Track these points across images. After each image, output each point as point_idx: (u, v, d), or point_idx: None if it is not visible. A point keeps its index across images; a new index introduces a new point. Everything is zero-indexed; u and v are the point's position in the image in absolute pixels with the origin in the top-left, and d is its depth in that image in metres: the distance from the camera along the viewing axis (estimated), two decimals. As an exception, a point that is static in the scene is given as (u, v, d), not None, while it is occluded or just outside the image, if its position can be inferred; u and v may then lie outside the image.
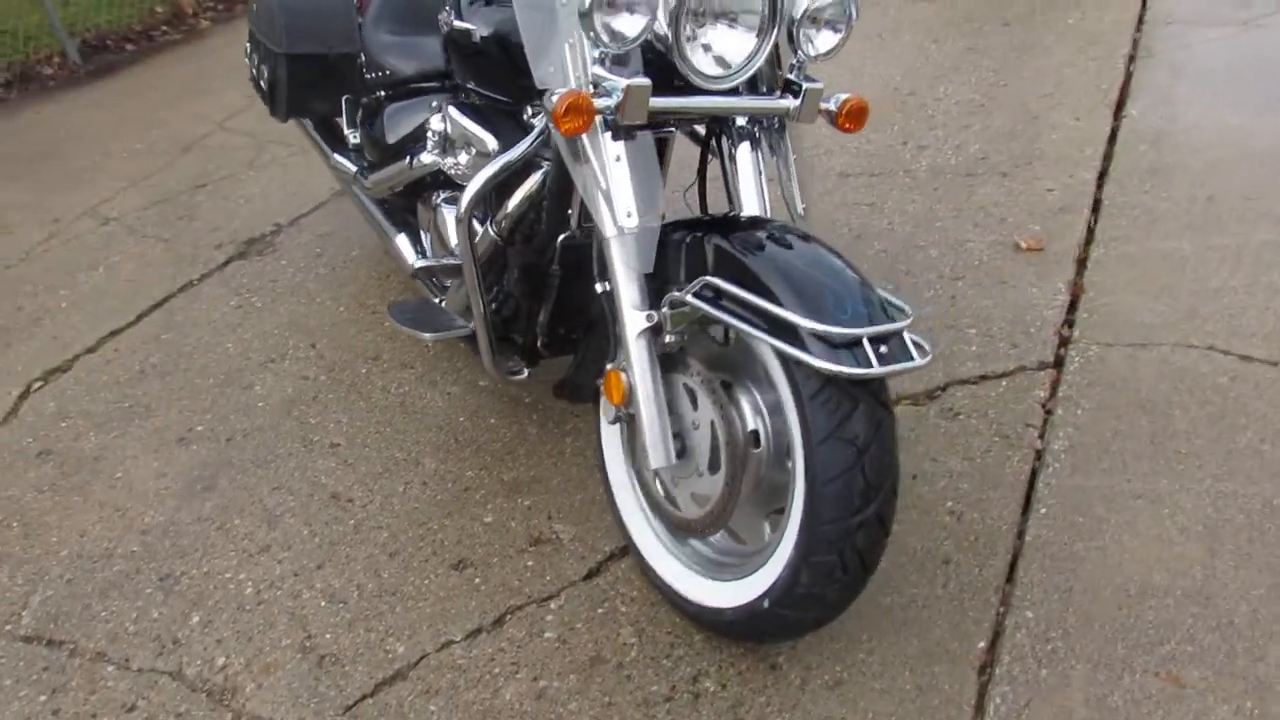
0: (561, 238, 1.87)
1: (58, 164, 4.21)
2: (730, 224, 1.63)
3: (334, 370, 2.66)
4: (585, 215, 1.79)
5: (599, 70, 1.54)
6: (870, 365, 1.36)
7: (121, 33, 5.73)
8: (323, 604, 1.94)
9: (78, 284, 3.24)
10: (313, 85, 2.56)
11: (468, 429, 2.37)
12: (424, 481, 2.22)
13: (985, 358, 2.39)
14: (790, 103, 1.68)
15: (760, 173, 1.71)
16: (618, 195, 1.57)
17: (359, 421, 2.44)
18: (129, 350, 2.86)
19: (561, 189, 1.82)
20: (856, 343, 1.38)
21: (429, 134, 2.15)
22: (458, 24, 2.04)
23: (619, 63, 1.55)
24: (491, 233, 1.95)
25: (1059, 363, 2.35)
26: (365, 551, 2.05)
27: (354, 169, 2.63)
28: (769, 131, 1.72)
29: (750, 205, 1.68)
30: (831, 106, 1.69)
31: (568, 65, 1.56)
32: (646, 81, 1.52)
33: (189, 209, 3.67)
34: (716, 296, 1.50)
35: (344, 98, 2.57)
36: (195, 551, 2.11)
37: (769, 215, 1.68)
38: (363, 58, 2.48)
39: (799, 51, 1.63)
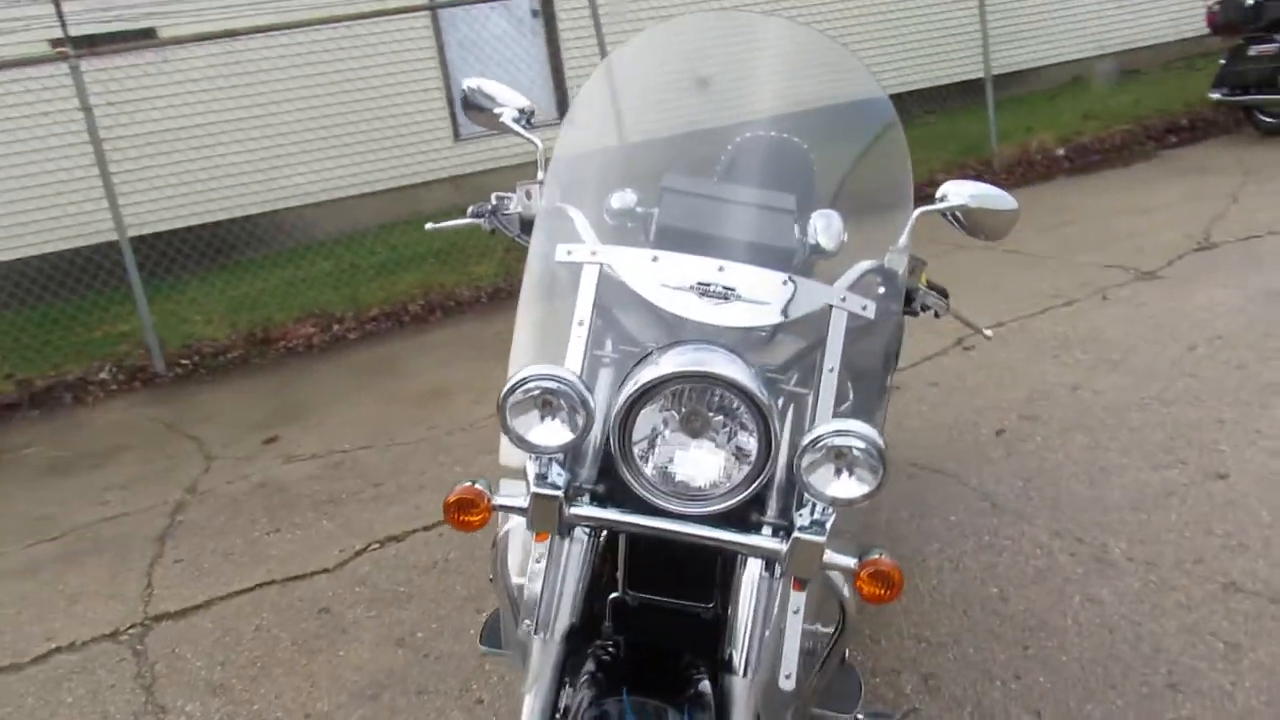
0: (611, 597, 1.66)
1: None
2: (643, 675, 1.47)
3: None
4: (633, 576, 1.62)
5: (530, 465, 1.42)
6: None
7: (211, 346, 5.96)
8: None
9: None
10: None
11: None
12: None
13: None
14: (777, 545, 1.40)
15: (750, 616, 1.47)
16: (525, 598, 1.47)
17: None
18: (434, 541, 3.37)
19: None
20: None
21: None
22: None
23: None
24: None
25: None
26: None
27: None
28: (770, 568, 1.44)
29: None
30: (846, 563, 1.38)
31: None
32: (555, 493, 1.40)
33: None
34: None
35: None
36: None
37: (744, 666, 1.45)
38: None
39: (806, 492, 1.37)
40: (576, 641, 1.60)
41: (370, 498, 3.80)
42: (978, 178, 7.65)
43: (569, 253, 1.60)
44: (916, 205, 1.95)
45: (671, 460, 1.46)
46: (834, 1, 8.94)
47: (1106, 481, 3.20)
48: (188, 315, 6.25)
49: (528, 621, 1.51)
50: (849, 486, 1.40)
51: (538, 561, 1.50)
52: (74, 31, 5.56)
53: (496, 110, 2.00)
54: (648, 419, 1.45)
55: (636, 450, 1.43)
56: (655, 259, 1.57)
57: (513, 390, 1.43)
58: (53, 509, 4.09)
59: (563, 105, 8.46)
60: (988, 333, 2.12)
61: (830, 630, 1.81)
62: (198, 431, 4.77)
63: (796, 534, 1.40)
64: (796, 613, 1.51)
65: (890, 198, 1.80)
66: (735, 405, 1.43)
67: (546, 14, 8.53)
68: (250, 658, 2.88)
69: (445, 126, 7.91)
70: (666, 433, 1.45)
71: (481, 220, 1.96)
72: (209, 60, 6.34)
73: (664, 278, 1.55)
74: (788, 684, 1.49)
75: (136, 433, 4.89)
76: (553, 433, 1.44)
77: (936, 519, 3.12)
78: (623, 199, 1.70)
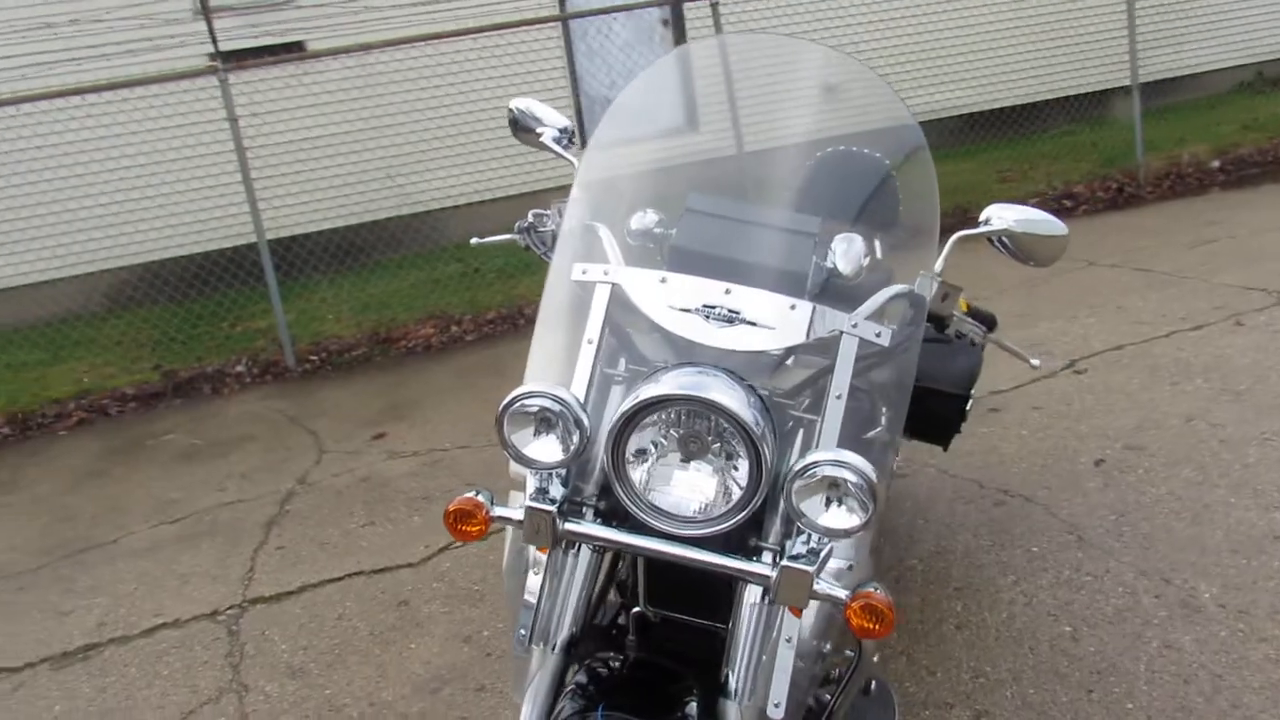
0: (634, 611, 1.67)
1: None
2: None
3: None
4: (653, 591, 1.65)
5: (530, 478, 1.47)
6: None
7: (338, 344, 6.17)
8: None
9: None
10: None
11: None
12: None
13: None
14: (766, 572, 1.40)
15: (747, 640, 1.49)
16: (522, 608, 1.53)
17: None
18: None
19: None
20: None
21: None
22: None
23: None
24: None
25: None
26: None
27: None
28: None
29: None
30: (838, 594, 1.38)
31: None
32: (549, 508, 1.44)
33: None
34: None
35: None
36: None
37: (738, 690, 1.47)
38: None
39: (795, 520, 1.38)
40: (578, 653, 1.63)
41: (461, 497, 3.92)
42: (1119, 190, 7.33)
43: (584, 272, 1.63)
44: (958, 229, 1.90)
45: (667, 481, 1.47)
46: (967, 6, 8.66)
47: (1208, 521, 3.00)
48: (319, 314, 6.60)
49: (522, 630, 1.55)
50: (839, 517, 1.39)
51: (536, 573, 1.54)
52: (225, 46, 5.96)
53: (539, 130, 2.05)
54: (644, 438, 1.47)
55: (631, 469, 1.45)
56: (664, 280, 1.58)
57: (510, 405, 1.48)
58: (179, 493, 4.39)
59: (690, 116, 8.49)
60: (1035, 362, 2.04)
61: (851, 656, 1.78)
62: (315, 425, 5.03)
63: (785, 562, 1.40)
64: (789, 641, 1.50)
65: (917, 223, 1.75)
66: (727, 430, 1.43)
67: (676, 25, 8.59)
68: (330, 644, 3.03)
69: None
70: (662, 454, 1.47)
71: (519, 236, 2.01)
72: (344, 72, 6.68)
73: (671, 299, 1.56)
74: (776, 713, 1.48)
75: (262, 424, 5.20)
76: (549, 449, 1.48)
77: (1018, 549, 3.00)
78: (642, 220, 1.72)
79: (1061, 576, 2.83)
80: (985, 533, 3.10)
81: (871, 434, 1.64)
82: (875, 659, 2.04)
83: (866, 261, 1.64)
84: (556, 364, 1.64)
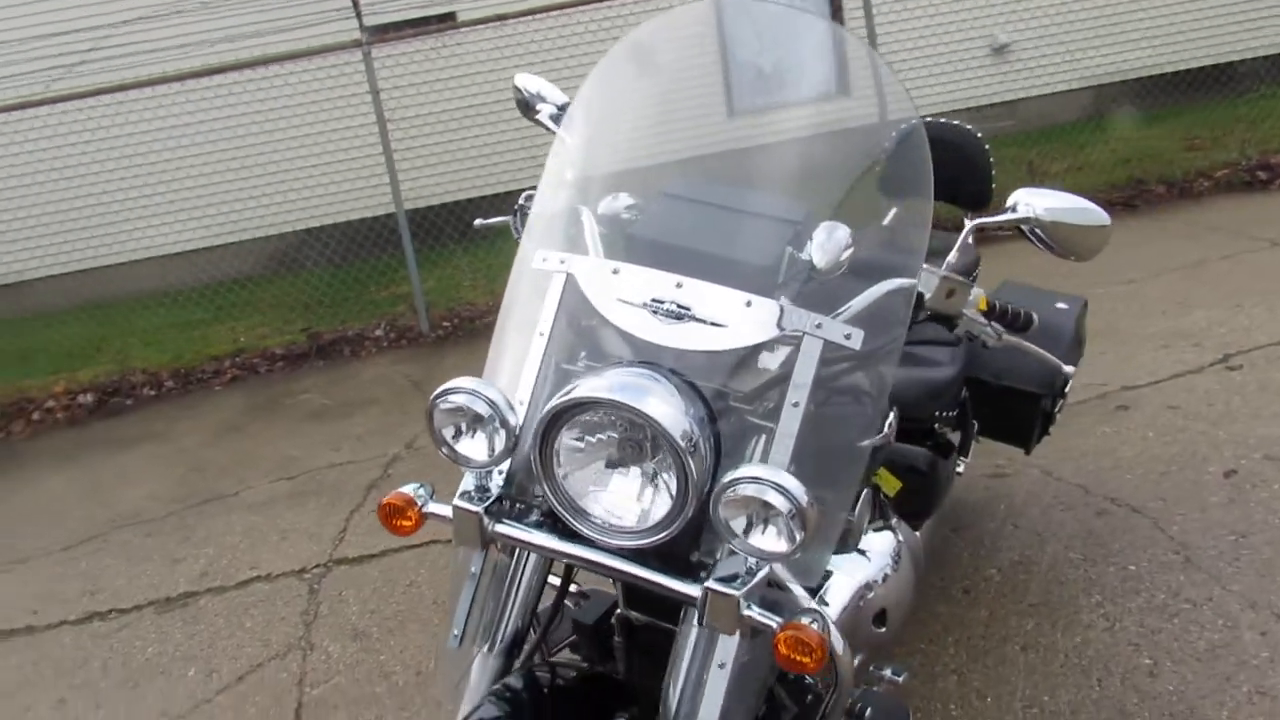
0: (617, 613, 1.65)
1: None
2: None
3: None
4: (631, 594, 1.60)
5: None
6: None
7: (469, 311, 6.30)
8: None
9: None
10: None
11: None
12: None
13: None
14: (691, 591, 1.31)
15: (687, 658, 1.40)
16: (458, 607, 1.49)
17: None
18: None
19: None
20: None
21: None
22: None
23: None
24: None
25: None
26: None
27: None
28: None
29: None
30: (767, 622, 1.28)
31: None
32: (474, 508, 1.40)
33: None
34: None
35: None
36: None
37: (674, 710, 1.38)
38: None
39: (727, 539, 1.29)
40: (525, 656, 1.57)
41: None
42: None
43: (544, 260, 1.55)
44: (977, 216, 1.70)
45: (605, 486, 1.38)
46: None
47: (1346, 551, 2.62)
48: (456, 281, 6.77)
49: (455, 632, 1.51)
50: (768, 539, 1.27)
51: (473, 573, 1.49)
52: (371, 20, 6.16)
53: (539, 107, 1.97)
54: (576, 440, 1.39)
55: (559, 470, 1.38)
56: (616, 271, 1.48)
57: (436, 401, 1.43)
58: (300, 451, 4.62)
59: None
60: (1069, 369, 1.80)
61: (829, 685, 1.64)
62: (434, 391, 5.16)
63: (710, 583, 1.29)
64: (722, 666, 1.39)
65: (908, 212, 1.57)
66: (658, 439, 1.33)
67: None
68: (395, 610, 3.11)
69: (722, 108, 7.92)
70: (594, 457, 1.38)
71: (511, 219, 1.95)
72: (483, 44, 6.78)
73: (621, 292, 1.46)
74: None
75: (388, 387, 5.40)
76: (479, 447, 1.42)
77: (1111, 566, 2.71)
78: (612, 204, 1.62)
79: (1155, 601, 2.54)
80: (1079, 545, 2.82)
81: (845, 444, 1.49)
82: (890, 677, 1.89)
83: (847, 255, 1.47)
84: (510, 355, 1.57)
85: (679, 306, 1.42)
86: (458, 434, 1.47)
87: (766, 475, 1.25)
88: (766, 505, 1.26)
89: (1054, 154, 7.14)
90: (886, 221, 1.59)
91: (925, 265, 1.56)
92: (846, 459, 1.47)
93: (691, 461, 1.29)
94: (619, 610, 1.65)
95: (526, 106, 2.01)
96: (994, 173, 2.76)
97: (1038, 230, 1.63)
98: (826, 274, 1.47)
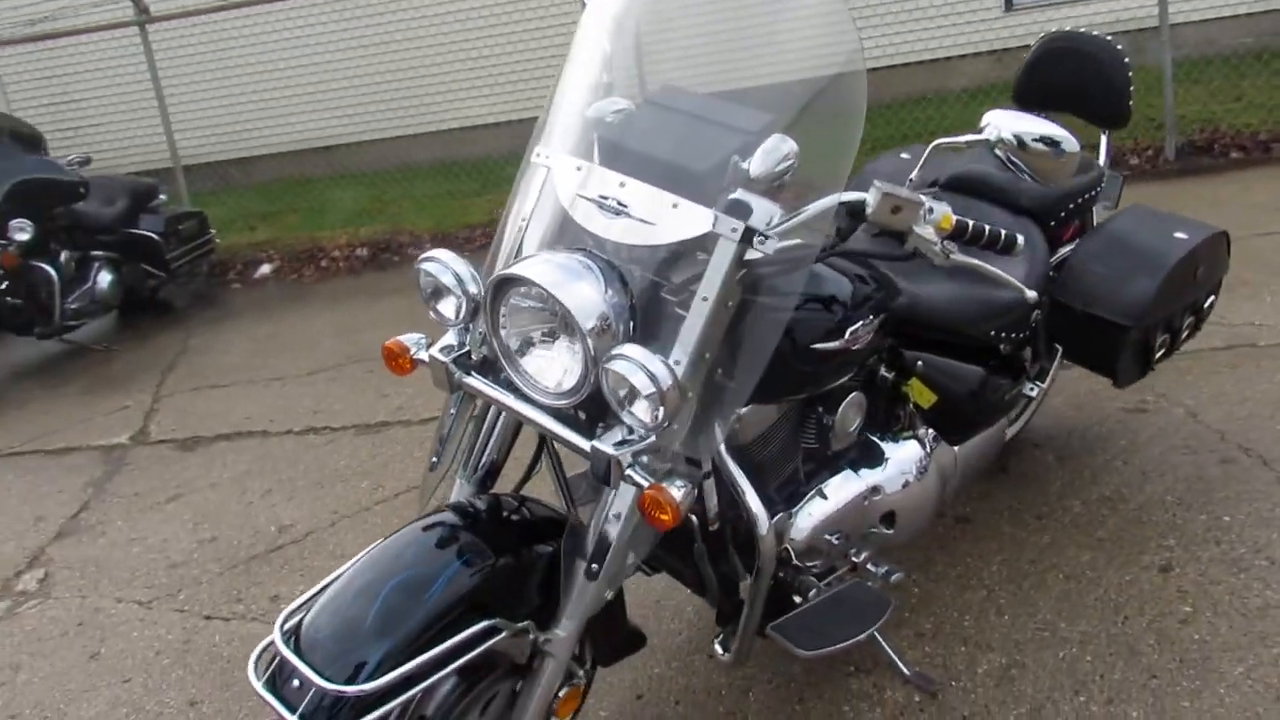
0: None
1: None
2: None
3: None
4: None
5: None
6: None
7: (1235, 138, 5.56)
8: None
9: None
10: None
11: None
12: None
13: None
14: (582, 444, 1.56)
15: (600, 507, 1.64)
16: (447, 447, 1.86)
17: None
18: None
19: None
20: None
21: None
22: None
23: None
24: None
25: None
26: None
27: None
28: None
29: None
30: (638, 479, 1.49)
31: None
32: (443, 359, 1.72)
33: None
34: None
35: None
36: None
37: (585, 548, 1.63)
38: None
39: (613, 407, 1.51)
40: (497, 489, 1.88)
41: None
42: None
43: (536, 155, 1.79)
44: (944, 135, 1.72)
45: (535, 350, 1.62)
46: None
47: None
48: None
49: (434, 458, 1.84)
50: (640, 411, 1.47)
51: (450, 412, 1.80)
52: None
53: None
54: (519, 309, 1.63)
55: (504, 332, 1.63)
56: (579, 169, 1.68)
57: (417, 267, 1.73)
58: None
59: None
60: (1030, 295, 1.77)
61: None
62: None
63: (595, 442, 1.52)
64: (617, 516, 1.61)
65: (839, 131, 1.63)
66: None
67: None
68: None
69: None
70: (532, 326, 1.63)
71: None
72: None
73: (582, 188, 1.67)
74: (590, 574, 1.62)
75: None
76: (450, 308, 1.72)
77: (1204, 514, 2.57)
78: (599, 108, 1.79)
79: (1230, 554, 2.41)
80: (1181, 489, 2.68)
81: (755, 343, 1.62)
82: (883, 574, 1.99)
83: (783, 167, 1.57)
84: (504, 237, 1.83)
85: (619, 203, 1.60)
86: (440, 295, 1.76)
87: (636, 355, 1.44)
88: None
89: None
90: (826, 141, 1.66)
91: (877, 182, 1.62)
92: (751, 356, 1.60)
93: (591, 339, 1.50)
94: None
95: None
96: (1131, 89, 2.60)
97: (1007, 152, 1.63)
98: (761, 183, 1.59)
